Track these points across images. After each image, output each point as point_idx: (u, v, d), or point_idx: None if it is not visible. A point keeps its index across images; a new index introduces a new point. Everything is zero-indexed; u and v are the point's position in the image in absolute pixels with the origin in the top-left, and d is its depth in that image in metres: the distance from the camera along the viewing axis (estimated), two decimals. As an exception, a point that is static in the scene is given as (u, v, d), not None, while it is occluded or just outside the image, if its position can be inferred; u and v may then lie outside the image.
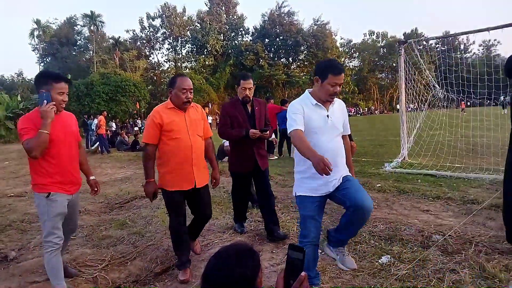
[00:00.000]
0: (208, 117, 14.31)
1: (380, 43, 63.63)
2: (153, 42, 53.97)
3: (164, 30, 52.62)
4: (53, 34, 53.56)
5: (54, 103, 2.48)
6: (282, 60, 55.11)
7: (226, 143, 11.31)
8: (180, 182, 2.96)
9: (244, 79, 3.69)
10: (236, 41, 54.70)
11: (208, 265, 1.17)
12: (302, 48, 52.74)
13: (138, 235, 4.13)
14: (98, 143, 15.02)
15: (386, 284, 2.69)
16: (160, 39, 53.97)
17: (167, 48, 54.66)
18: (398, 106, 9.95)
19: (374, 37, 64.19)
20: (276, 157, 10.59)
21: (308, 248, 2.42)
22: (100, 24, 53.08)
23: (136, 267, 3.31)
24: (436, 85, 8.71)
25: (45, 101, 2.43)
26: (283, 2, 53.21)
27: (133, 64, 46.69)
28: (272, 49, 54.54)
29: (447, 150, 7.98)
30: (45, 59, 53.94)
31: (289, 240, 3.68)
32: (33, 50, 55.48)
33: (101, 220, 4.86)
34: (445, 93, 8.46)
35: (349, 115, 48.05)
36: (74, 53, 53.66)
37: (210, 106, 43.45)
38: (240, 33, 56.00)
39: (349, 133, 2.85)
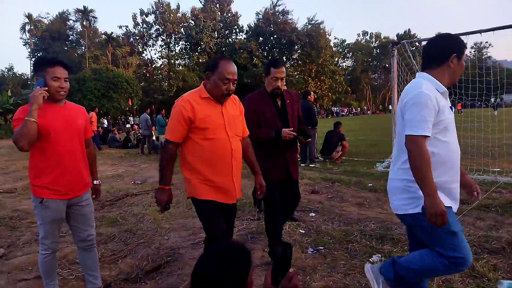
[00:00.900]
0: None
1: (374, 43, 64.05)
2: (146, 39, 53.57)
3: (158, 26, 52.25)
4: (45, 28, 52.89)
5: (47, 88, 2.21)
6: (276, 59, 55.10)
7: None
8: (216, 193, 2.34)
9: (276, 66, 2.97)
10: (230, 39, 54.61)
11: (198, 263, 1.16)
12: (296, 47, 52.80)
13: (129, 232, 4.10)
14: (89, 139, 14.86)
15: (376, 283, 2.71)
16: (154, 35, 53.60)
17: (160, 45, 54.34)
18: (390, 107, 10.01)
19: (367, 37, 64.65)
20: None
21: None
22: (92, 19, 52.55)
23: (127, 265, 3.29)
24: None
25: (38, 86, 2.21)
26: (277, 0, 53.23)
27: (126, 61, 46.32)
28: (266, 47, 54.54)
29: (438, 150, 8.03)
30: (36, 54, 53.20)
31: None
32: (24, 45, 54.79)
33: (92, 218, 4.82)
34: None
35: (342, 115, 48.03)
36: (66, 48, 53.03)
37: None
38: (234, 31, 55.91)
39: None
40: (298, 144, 3.51)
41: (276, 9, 53.24)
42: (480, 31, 6.61)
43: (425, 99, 1.82)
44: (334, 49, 59.61)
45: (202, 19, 50.89)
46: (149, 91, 47.50)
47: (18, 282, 2.98)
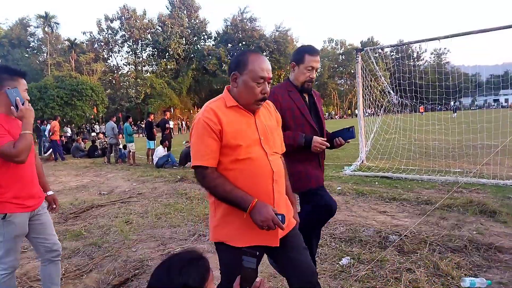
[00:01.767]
0: (170, 122, 14.03)
1: (339, 50, 65.85)
2: (111, 45, 52.34)
3: (124, 32, 51.26)
4: (3, 35, 50.44)
5: (27, 99, 2.22)
6: (245, 65, 55.51)
7: (189, 143, 11.07)
8: (256, 234, 1.67)
9: (312, 53, 2.38)
10: (198, 46, 54.40)
11: (152, 276, 1.12)
12: (265, 53, 53.30)
13: (95, 246, 3.94)
14: (51, 149, 14.27)
15: (346, 285, 2.74)
16: (119, 41, 52.49)
17: (126, 51, 53.28)
18: (356, 111, 10.30)
19: (333, 44, 66.41)
20: None
21: None
22: (54, 25, 50.73)
23: (92, 279, 3.15)
24: (391, 91, 9.12)
25: (17, 98, 2.15)
26: (245, 7, 53.78)
27: (90, 67, 45.06)
28: (235, 54, 54.71)
29: (402, 153, 8.34)
30: (-6, 61, 50.71)
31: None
32: (-20, 51, 51.98)
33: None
34: (399, 98, 8.87)
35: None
36: (26, 55, 50.76)
37: (172, 111, 42.71)
38: (202, 37, 55.78)
39: None
40: None
41: (244, 16, 53.76)
42: (438, 38, 6.94)
43: None
44: (301, 55, 60.66)
45: (169, 25, 50.42)
46: (116, 98, 46.37)
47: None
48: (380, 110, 9.25)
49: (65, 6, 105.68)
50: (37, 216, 2.40)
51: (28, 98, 2.28)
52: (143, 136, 24.17)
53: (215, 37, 55.64)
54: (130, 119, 12.64)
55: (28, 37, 52.09)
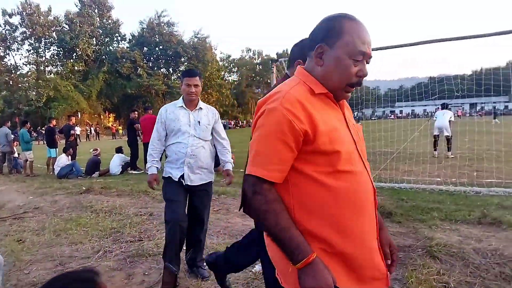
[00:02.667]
0: (76, 127, 13.00)
1: (257, 60, 67.83)
2: (9, 42, 46.70)
3: (24, 29, 46.16)
4: None
5: None
6: (162, 70, 54.02)
7: (97, 151, 10.27)
8: (363, 271, 1.17)
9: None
10: (111, 47, 51.43)
11: None
12: (183, 59, 52.57)
13: (-24, 271, 3.39)
14: None
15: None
16: (19, 38, 47.07)
17: (27, 50, 47.91)
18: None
19: (251, 54, 68.19)
20: None
21: None
22: None
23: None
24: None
25: None
26: (162, 11, 52.41)
27: (-19, 65, 39.58)
28: (152, 58, 53.02)
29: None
30: None
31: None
32: None
33: None
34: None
35: (230, 128, 49.22)
36: None
37: (79, 115, 39.50)
38: (115, 38, 52.92)
39: None
40: None
41: (161, 20, 52.35)
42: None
43: None
44: (220, 63, 61.19)
45: (78, 24, 46.83)
46: (12, 101, 41.40)
47: None
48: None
49: None
50: None
51: None
52: (43, 143, 21.92)
53: (129, 39, 53.18)
54: (28, 125, 11.36)
55: None
